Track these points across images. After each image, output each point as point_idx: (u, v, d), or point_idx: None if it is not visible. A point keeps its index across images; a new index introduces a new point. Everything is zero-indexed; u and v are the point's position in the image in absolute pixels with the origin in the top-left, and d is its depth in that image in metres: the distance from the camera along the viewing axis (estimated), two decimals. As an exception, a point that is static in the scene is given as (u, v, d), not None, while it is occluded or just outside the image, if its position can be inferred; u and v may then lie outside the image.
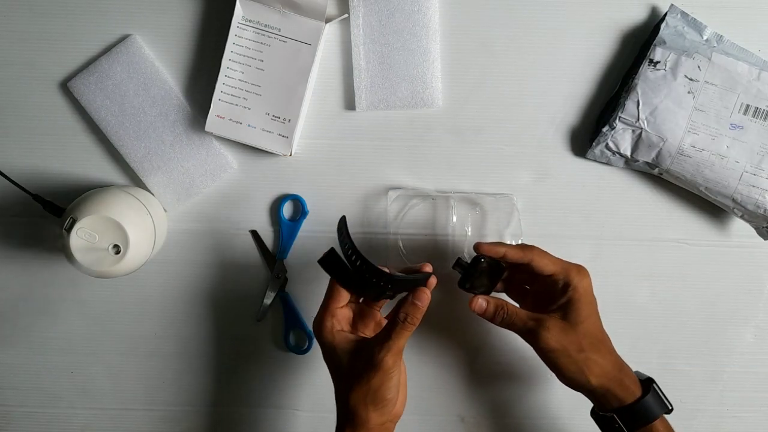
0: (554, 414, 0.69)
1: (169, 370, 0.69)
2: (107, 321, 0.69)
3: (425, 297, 0.55)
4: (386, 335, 0.53)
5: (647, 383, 0.57)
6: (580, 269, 0.57)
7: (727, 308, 0.68)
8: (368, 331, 0.60)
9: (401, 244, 0.67)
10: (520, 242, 0.65)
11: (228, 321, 0.69)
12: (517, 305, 0.59)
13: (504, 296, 0.63)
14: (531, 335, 0.57)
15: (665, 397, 0.57)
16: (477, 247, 0.58)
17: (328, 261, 0.54)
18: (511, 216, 0.66)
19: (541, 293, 0.59)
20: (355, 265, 0.54)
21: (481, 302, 0.58)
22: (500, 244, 0.58)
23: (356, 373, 0.53)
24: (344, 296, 0.56)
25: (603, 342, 0.57)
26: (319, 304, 0.70)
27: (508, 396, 0.69)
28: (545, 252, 0.58)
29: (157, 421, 0.70)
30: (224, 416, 0.70)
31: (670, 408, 0.57)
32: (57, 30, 0.64)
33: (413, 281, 0.56)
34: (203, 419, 0.70)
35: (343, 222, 0.56)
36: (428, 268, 0.58)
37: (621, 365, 0.57)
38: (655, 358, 0.69)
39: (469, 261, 0.59)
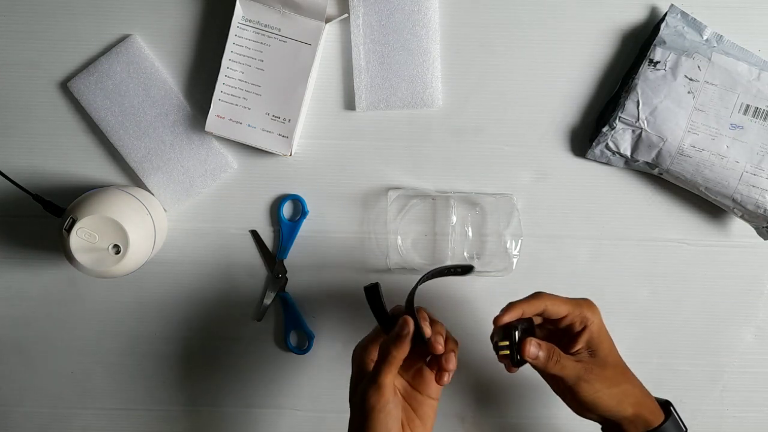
0: (554, 414, 0.69)
1: (169, 370, 0.69)
2: (107, 321, 0.69)
3: (406, 325, 0.51)
4: (373, 369, 0.52)
5: (666, 406, 0.57)
6: (590, 303, 0.55)
7: (727, 308, 0.68)
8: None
9: (401, 244, 0.67)
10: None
11: (228, 321, 0.69)
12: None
13: None
14: (578, 383, 0.53)
15: (680, 419, 0.57)
16: (498, 320, 0.53)
17: (371, 292, 0.54)
18: (511, 216, 0.66)
19: (551, 337, 0.56)
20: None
21: (532, 349, 0.52)
22: (514, 305, 0.54)
23: (352, 406, 0.53)
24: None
25: (628, 370, 0.56)
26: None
27: (508, 396, 0.69)
28: (552, 295, 0.55)
29: (157, 421, 0.70)
30: (224, 416, 0.70)
31: (685, 430, 0.57)
32: (57, 30, 0.64)
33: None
34: (203, 419, 0.70)
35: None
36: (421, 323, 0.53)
37: (646, 390, 0.57)
38: (655, 358, 0.69)
39: (500, 339, 0.54)
